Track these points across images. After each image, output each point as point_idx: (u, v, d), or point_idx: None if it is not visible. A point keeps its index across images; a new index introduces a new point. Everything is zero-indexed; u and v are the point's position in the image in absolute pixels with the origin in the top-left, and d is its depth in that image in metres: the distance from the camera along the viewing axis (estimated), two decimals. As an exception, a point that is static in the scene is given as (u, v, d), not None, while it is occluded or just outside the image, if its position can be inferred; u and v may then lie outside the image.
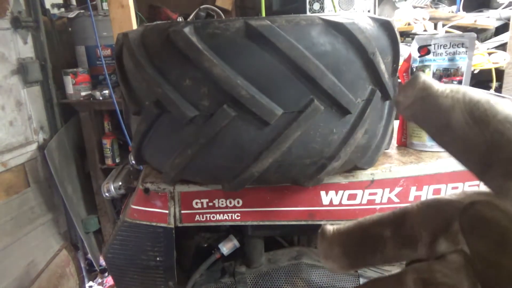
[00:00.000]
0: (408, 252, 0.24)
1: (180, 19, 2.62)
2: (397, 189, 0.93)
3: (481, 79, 2.09)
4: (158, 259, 0.99)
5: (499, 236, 0.19)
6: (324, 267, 1.05)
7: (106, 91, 2.29)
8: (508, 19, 2.29)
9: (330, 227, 0.26)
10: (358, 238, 0.25)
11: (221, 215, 0.94)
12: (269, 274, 1.05)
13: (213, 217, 0.94)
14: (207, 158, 0.79)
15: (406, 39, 2.25)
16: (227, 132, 0.75)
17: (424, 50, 1.00)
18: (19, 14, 2.17)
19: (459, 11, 2.48)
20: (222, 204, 0.94)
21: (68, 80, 2.35)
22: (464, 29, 2.30)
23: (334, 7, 2.28)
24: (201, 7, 2.31)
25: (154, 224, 0.95)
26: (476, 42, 2.16)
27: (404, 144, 1.09)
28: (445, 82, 0.99)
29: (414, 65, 1.01)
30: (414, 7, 2.38)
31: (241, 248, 1.09)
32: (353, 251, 0.25)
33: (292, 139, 0.75)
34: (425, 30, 2.27)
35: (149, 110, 0.81)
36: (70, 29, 2.52)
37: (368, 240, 0.25)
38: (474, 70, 2.01)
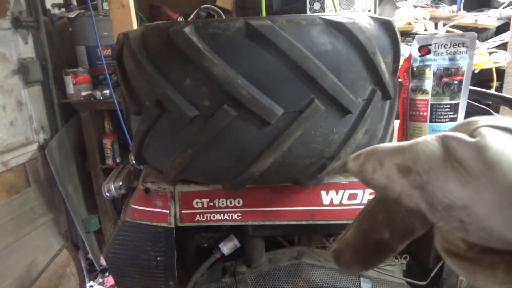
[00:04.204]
0: (408, 239, 0.27)
1: (180, 19, 2.62)
2: (398, 189, 0.93)
3: (481, 79, 2.09)
4: (158, 259, 0.99)
5: None
6: (325, 267, 1.05)
7: (107, 91, 2.29)
8: (509, 19, 2.29)
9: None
10: (366, 249, 0.28)
11: (222, 215, 0.94)
12: (270, 274, 1.05)
13: (214, 217, 0.94)
14: (208, 158, 0.79)
15: (407, 38, 2.24)
16: (228, 132, 0.75)
17: (424, 49, 1.00)
18: (19, 14, 2.17)
19: (459, 10, 2.47)
20: (223, 204, 0.94)
21: (69, 80, 2.35)
22: (464, 28, 2.30)
23: (334, 6, 2.28)
24: (202, 7, 2.32)
25: (154, 224, 0.95)
26: (477, 41, 2.16)
27: (405, 144, 1.09)
28: (446, 82, 0.99)
29: (415, 64, 1.01)
30: (415, 6, 2.38)
31: (241, 248, 1.09)
32: (366, 259, 0.28)
33: (293, 139, 0.75)
34: (425, 30, 2.27)
35: (149, 110, 0.81)
36: (70, 29, 2.52)
37: (375, 247, 0.27)
38: (474, 69, 2.00)
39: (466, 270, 0.24)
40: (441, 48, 0.98)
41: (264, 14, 1.82)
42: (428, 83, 1.00)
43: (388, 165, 0.25)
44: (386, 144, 0.26)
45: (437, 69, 0.99)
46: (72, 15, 2.40)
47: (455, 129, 0.25)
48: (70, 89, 2.36)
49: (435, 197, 0.23)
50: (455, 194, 0.22)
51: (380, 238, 0.26)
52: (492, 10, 2.42)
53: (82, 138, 2.48)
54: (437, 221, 0.24)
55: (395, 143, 0.26)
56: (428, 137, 0.24)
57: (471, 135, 0.23)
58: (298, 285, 1.03)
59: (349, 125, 0.80)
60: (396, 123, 1.09)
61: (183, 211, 0.94)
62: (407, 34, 2.26)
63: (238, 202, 0.93)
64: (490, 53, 2.09)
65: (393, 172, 0.25)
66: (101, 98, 2.31)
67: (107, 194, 1.23)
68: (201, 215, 0.94)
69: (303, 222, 0.95)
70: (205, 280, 1.08)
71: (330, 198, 0.93)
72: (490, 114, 1.13)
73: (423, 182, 0.23)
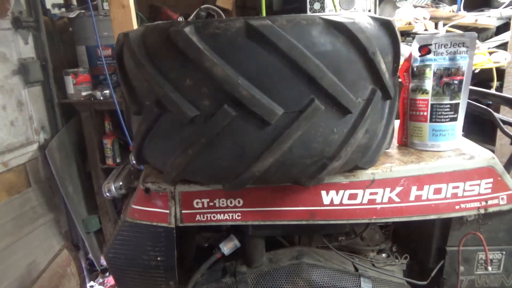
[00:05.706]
0: None
1: (180, 19, 2.62)
2: (398, 189, 0.93)
3: (482, 79, 2.09)
4: (159, 259, 0.99)
5: None
6: (326, 266, 1.05)
7: (107, 91, 2.29)
8: (509, 18, 2.29)
9: None
10: None
11: (222, 215, 0.94)
12: (270, 274, 1.05)
13: (214, 217, 0.94)
14: (208, 157, 0.79)
15: (407, 38, 2.24)
16: (228, 132, 0.75)
17: (425, 49, 1.00)
18: (20, 14, 2.17)
19: (460, 10, 2.47)
20: (223, 204, 0.94)
21: (69, 80, 2.35)
22: (465, 28, 2.30)
23: (334, 6, 2.28)
24: (202, 7, 2.31)
25: (155, 224, 0.96)
26: (477, 41, 2.16)
27: (405, 144, 1.09)
28: (446, 82, 0.99)
29: (415, 64, 1.01)
30: (415, 6, 2.38)
31: (242, 247, 1.09)
32: None
33: (293, 139, 0.75)
34: (425, 30, 2.26)
35: (150, 110, 0.81)
36: (70, 29, 2.52)
37: None
38: (475, 69, 2.00)
39: None
40: (441, 48, 0.98)
41: (264, 14, 1.82)
42: (428, 83, 1.00)
43: None
44: None
45: (437, 69, 0.99)
46: (72, 15, 2.39)
47: None
48: (71, 89, 2.36)
49: None
50: None
51: None
52: (492, 10, 2.42)
53: (83, 138, 2.48)
54: None
55: None
56: None
57: None
58: (298, 285, 1.03)
59: (349, 125, 0.80)
60: (396, 123, 1.09)
61: (183, 211, 0.94)
62: (407, 34, 2.26)
63: (239, 202, 0.93)
64: (490, 53, 2.09)
65: None
66: (101, 98, 2.31)
67: (108, 194, 1.23)
68: (202, 215, 0.94)
69: (304, 222, 0.95)
70: (205, 280, 1.08)
71: (330, 198, 0.93)
72: (490, 114, 1.13)
73: None
